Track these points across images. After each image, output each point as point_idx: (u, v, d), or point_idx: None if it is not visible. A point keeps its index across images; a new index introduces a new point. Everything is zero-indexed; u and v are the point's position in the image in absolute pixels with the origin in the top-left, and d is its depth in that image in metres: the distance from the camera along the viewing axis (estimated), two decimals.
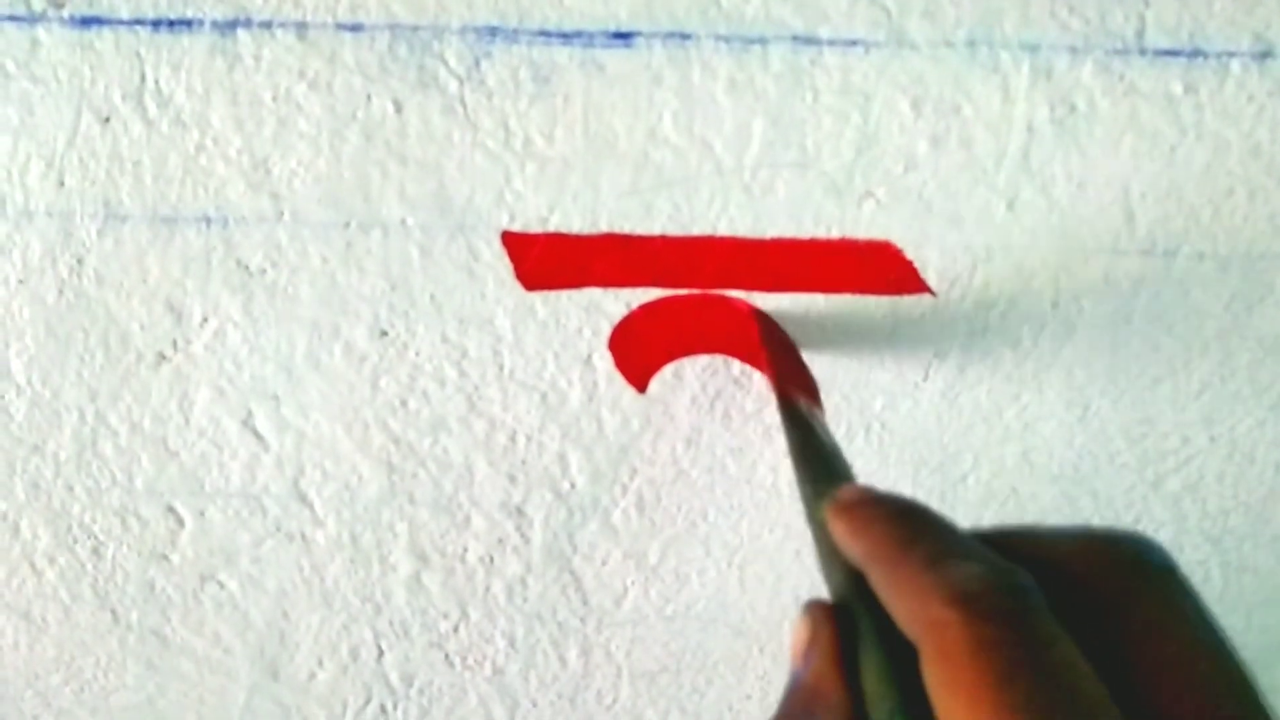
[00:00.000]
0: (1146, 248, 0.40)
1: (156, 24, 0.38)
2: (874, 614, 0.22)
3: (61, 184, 0.40)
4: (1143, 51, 0.38)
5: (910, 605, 0.21)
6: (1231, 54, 0.38)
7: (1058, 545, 0.22)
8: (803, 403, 0.34)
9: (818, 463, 0.29)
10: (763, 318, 0.41)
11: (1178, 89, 0.38)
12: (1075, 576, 0.21)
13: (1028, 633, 0.19)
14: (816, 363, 0.42)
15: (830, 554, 0.25)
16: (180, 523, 0.45)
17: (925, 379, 0.42)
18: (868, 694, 0.21)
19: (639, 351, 0.42)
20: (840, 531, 0.24)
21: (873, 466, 0.44)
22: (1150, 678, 0.20)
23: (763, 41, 0.38)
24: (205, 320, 0.42)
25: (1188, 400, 0.43)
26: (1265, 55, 0.38)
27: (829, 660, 0.22)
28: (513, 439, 0.43)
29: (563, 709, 0.48)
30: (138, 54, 0.38)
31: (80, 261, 0.41)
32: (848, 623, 0.23)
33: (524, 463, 0.44)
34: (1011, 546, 0.22)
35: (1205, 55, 0.38)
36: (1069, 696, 0.19)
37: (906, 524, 0.23)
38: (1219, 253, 0.40)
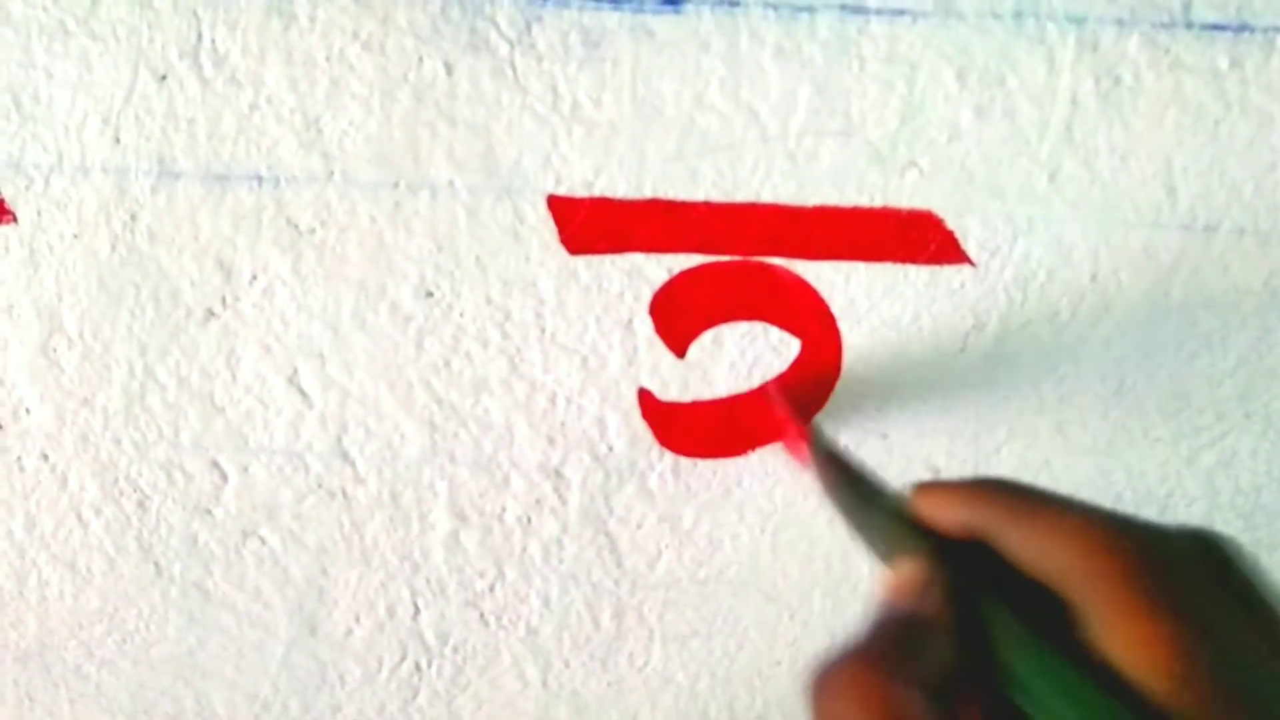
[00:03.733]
0: (1187, 222, 0.41)
1: None
2: (988, 570, 0.24)
3: (117, 140, 0.40)
4: (1189, 25, 0.38)
5: (1076, 541, 0.22)
6: (1278, 29, 0.38)
7: (1168, 530, 0.24)
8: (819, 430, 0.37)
9: (862, 472, 0.32)
10: (775, 392, 0.42)
11: (1223, 63, 0.39)
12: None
13: (1196, 571, 0.21)
14: (855, 332, 0.43)
15: (907, 533, 0.26)
16: (224, 478, 0.46)
17: (963, 350, 0.43)
18: (996, 635, 0.23)
19: (679, 317, 0.43)
20: (951, 502, 0.25)
21: (908, 436, 0.44)
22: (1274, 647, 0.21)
23: (810, 10, 0.39)
24: (254, 278, 0.42)
25: (1224, 376, 0.43)
26: None
27: (943, 596, 0.24)
28: (553, 401, 0.44)
29: (594, 670, 0.49)
30: (195, 13, 0.39)
31: (134, 217, 0.41)
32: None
33: (563, 425, 0.44)
34: None
35: (1252, 30, 0.38)
36: (1238, 631, 0.20)
37: (1033, 487, 0.24)
38: (1260, 228, 0.41)
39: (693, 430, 0.44)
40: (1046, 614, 0.22)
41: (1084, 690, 0.21)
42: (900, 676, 0.22)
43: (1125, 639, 0.20)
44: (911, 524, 0.27)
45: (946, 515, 0.25)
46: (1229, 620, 0.21)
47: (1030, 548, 0.23)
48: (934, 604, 0.24)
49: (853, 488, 0.31)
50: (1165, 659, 0.20)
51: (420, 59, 0.39)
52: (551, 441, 0.45)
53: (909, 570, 0.25)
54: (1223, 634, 0.20)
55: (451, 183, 0.41)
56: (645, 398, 0.44)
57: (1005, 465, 0.45)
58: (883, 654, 0.22)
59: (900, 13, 0.38)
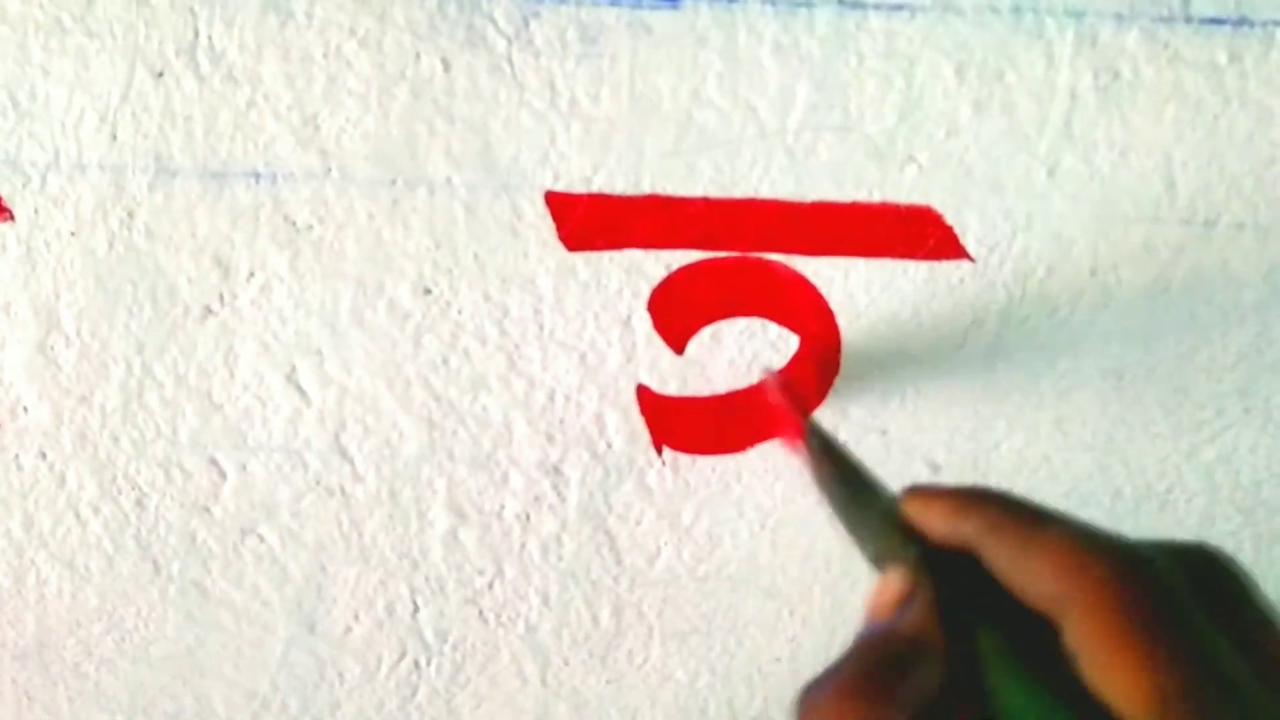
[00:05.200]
0: (1187, 217, 0.41)
1: None
2: (977, 585, 0.23)
3: (114, 138, 0.40)
4: (1188, 19, 0.38)
5: (1061, 565, 0.21)
6: (1277, 23, 0.38)
7: (1162, 547, 0.23)
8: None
9: (859, 470, 0.31)
10: (774, 383, 0.42)
11: (1222, 58, 0.39)
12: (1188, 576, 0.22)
13: (1189, 608, 0.20)
14: (854, 328, 0.42)
15: (899, 538, 0.25)
16: (222, 476, 0.45)
17: (962, 345, 0.43)
18: (986, 657, 0.22)
19: (678, 313, 0.43)
20: (942, 511, 0.24)
21: (907, 432, 0.44)
22: (1262, 669, 0.21)
23: (808, 5, 0.38)
24: (252, 275, 0.42)
25: (1223, 371, 0.43)
26: None
27: (933, 614, 0.23)
28: (551, 398, 0.44)
29: (594, 667, 0.49)
30: (191, 9, 0.39)
31: (131, 215, 0.41)
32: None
33: (562, 422, 0.44)
34: None
35: (1251, 24, 0.38)
36: (1234, 673, 0.20)
37: (1026, 502, 0.24)
38: (1259, 223, 0.40)
39: (690, 427, 0.44)
40: (1035, 633, 0.22)
41: None
42: (887, 701, 0.21)
43: (1105, 668, 0.20)
44: (902, 530, 0.26)
45: (936, 524, 0.25)
46: (1215, 645, 0.20)
47: (1014, 567, 0.22)
48: (920, 620, 0.23)
49: (847, 486, 0.30)
50: (1144, 690, 0.19)
51: (418, 55, 0.39)
52: (550, 438, 0.45)
53: (895, 582, 0.24)
54: (1207, 661, 0.20)
55: (449, 179, 0.41)
56: (644, 394, 0.44)
57: (1004, 460, 0.45)
58: (869, 676, 0.22)
59: (898, 7, 0.38)
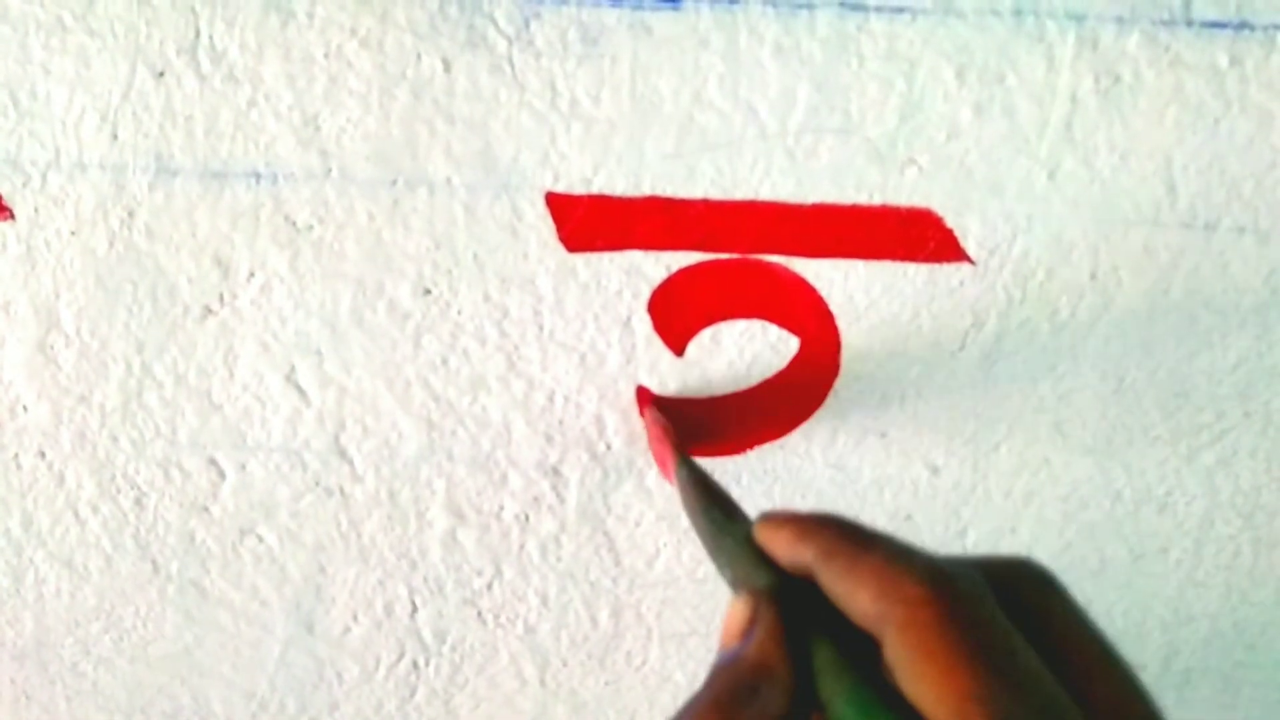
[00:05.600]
0: (1187, 220, 0.41)
1: None
2: (819, 607, 0.24)
3: (115, 137, 0.40)
4: (1189, 23, 0.38)
5: (879, 588, 0.23)
6: (1278, 26, 0.38)
7: (978, 563, 0.25)
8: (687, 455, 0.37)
9: (721, 498, 0.32)
10: (648, 407, 0.42)
11: (1223, 61, 0.39)
12: (997, 588, 0.23)
13: (991, 615, 0.22)
14: (854, 329, 0.42)
15: (752, 564, 0.27)
16: (221, 475, 0.45)
17: (962, 348, 0.43)
18: (819, 671, 0.24)
19: (678, 315, 0.43)
20: (784, 538, 0.26)
21: (906, 435, 0.44)
22: (1071, 672, 0.22)
23: (810, 7, 0.38)
24: (252, 275, 0.42)
25: (1224, 374, 0.43)
26: None
27: (774, 638, 0.24)
28: (551, 399, 0.44)
29: (592, 668, 0.49)
30: (193, 9, 0.39)
31: (131, 214, 0.41)
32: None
33: (561, 423, 0.44)
34: None
35: (1252, 28, 0.38)
36: (1033, 674, 0.21)
37: (857, 529, 0.25)
38: (1260, 227, 0.40)
39: (689, 429, 0.44)
40: (865, 649, 0.23)
41: None
42: None
43: (916, 678, 0.21)
44: (757, 557, 0.27)
45: (781, 551, 0.26)
46: (1016, 649, 0.22)
47: (841, 590, 0.24)
48: (763, 645, 0.24)
49: (710, 512, 0.31)
50: (950, 694, 0.21)
51: (418, 56, 0.39)
52: (549, 439, 0.45)
53: (741, 609, 0.26)
54: (1007, 664, 0.21)
55: (449, 180, 0.41)
56: (643, 395, 0.44)
57: (1004, 464, 0.45)
58: (718, 704, 0.23)
59: (900, 10, 0.38)
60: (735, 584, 0.28)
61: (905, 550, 0.24)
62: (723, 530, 0.30)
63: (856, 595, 0.23)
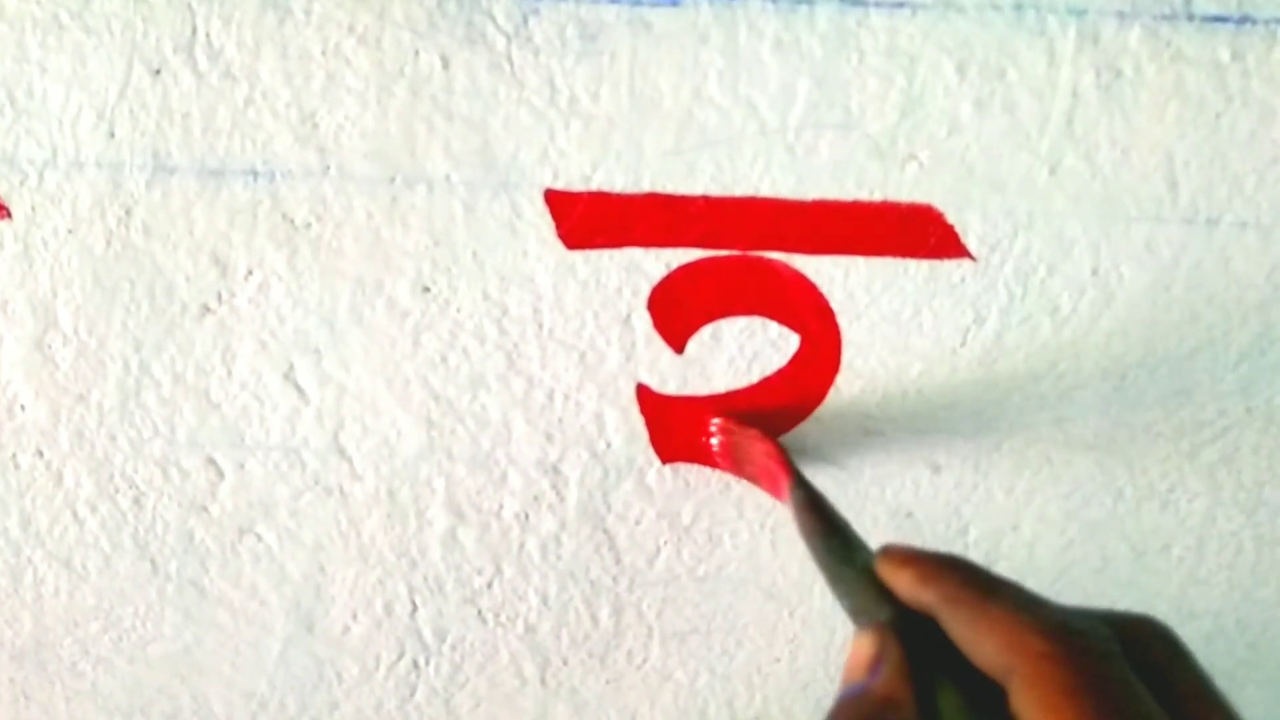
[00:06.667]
0: (1189, 216, 0.40)
1: None
2: (941, 646, 0.25)
3: (111, 135, 0.40)
4: (1190, 17, 0.38)
5: (1005, 639, 0.23)
6: None
7: (1104, 617, 0.25)
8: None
9: (840, 526, 0.32)
10: (761, 435, 0.42)
11: (1225, 55, 0.38)
12: (1122, 645, 0.24)
13: (1121, 676, 0.22)
14: (855, 327, 0.42)
15: (874, 598, 0.27)
16: (220, 474, 0.45)
17: (963, 344, 0.43)
18: (943, 712, 0.24)
19: (678, 312, 0.42)
20: (908, 578, 0.26)
21: (907, 432, 0.44)
22: None
23: (809, 2, 0.38)
24: (250, 273, 0.42)
25: (1226, 371, 0.43)
26: None
27: (901, 675, 0.25)
28: (550, 397, 0.44)
29: (593, 668, 0.48)
30: (189, 6, 0.39)
31: (128, 213, 0.41)
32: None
33: (561, 421, 0.44)
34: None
35: (1253, 21, 0.38)
36: (1171, 713, 0.22)
37: (983, 575, 0.25)
38: (1262, 222, 0.40)
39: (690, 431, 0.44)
40: (990, 694, 0.23)
41: None
42: None
43: None
44: (876, 590, 0.27)
45: (903, 588, 0.27)
46: (1144, 709, 0.22)
47: (966, 638, 0.24)
48: (890, 681, 0.25)
49: (828, 540, 0.32)
50: None
51: (416, 53, 0.39)
52: (549, 438, 0.44)
53: (868, 644, 0.26)
54: None
55: (448, 177, 0.41)
56: (643, 393, 0.43)
57: (1005, 462, 0.44)
58: None
59: (900, 5, 0.38)
60: (855, 614, 0.28)
61: (1032, 600, 0.24)
62: (843, 561, 0.30)
63: (982, 644, 0.24)
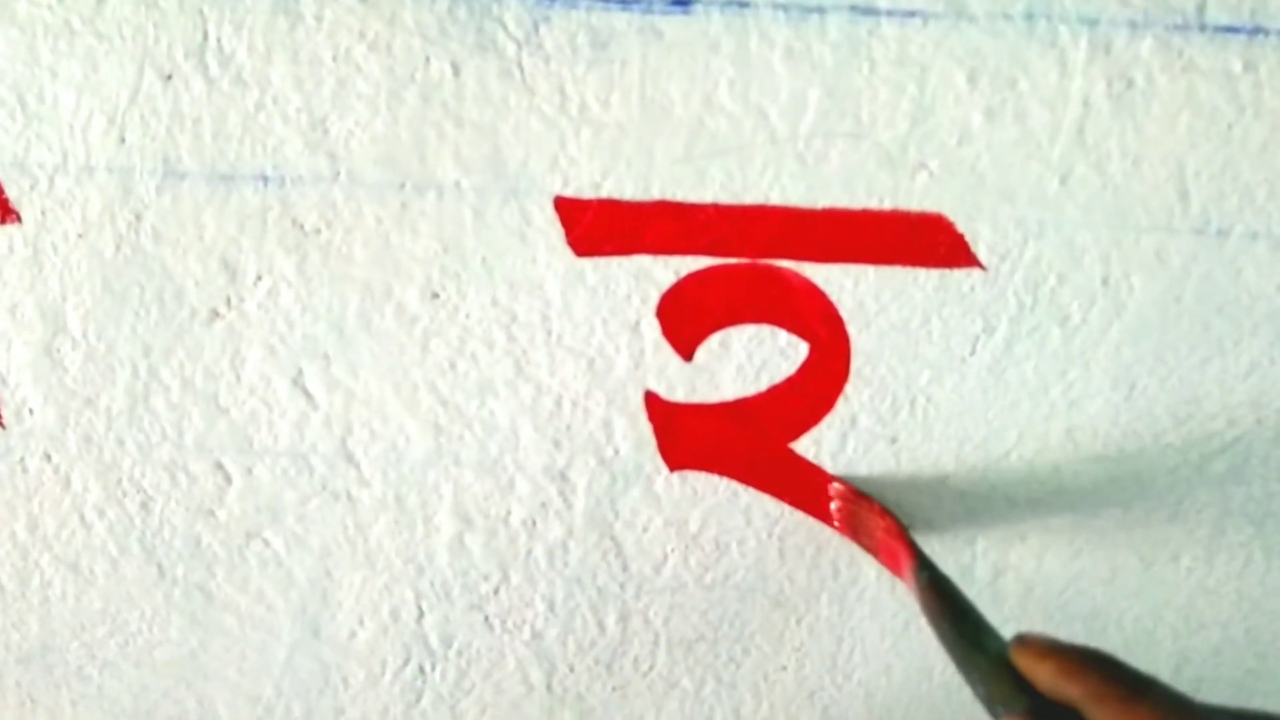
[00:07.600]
0: (1200, 226, 0.40)
1: None
2: None
3: (122, 140, 0.40)
4: (1203, 28, 0.38)
5: None
6: None
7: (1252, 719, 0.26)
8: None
9: (969, 612, 0.33)
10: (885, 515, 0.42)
11: (1237, 66, 0.38)
12: None
13: None
14: (864, 336, 0.42)
15: (1011, 688, 0.28)
16: (228, 479, 0.45)
17: (972, 353, 0.42)
18: None
19: (687, 320, 0.42)
20: (1048, 670, 0.27)
21: (916, 440, 0.44)
22: None
23: (821, 11, 0.38)
24: (259, 278, 0.42)
25: (1236, 381, 0.43)
26: None
27: None
28: (559, 404, 0.44)
29: (599, 674, 0.48)
30: (201, 12, 0.39)
31: (138, 217, 0.41)
32: None
33: (569, 428, 0.44)
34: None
35: (1266, 32, 0.38)
36: None
37: (1128, 672, 0.26)
38: (1273, 232, 0.40)
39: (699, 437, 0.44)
40: None
41: None
42: None
43: None
44: (1014, 680, 0.28)
45: (1043, 679, 0.27)
46: None
47: None
48: None
49: (958, 624, 0.32)
50: None
51: (427, 59, 0.39)
52: (557, 444, 0.44)
53: None
54: None
55: (458, 183, 0.41)
56: (651, 401, 0.43)
57: (1014, 471, 0.44)
58: None
59: (911, 14, 0.38)
60: (990, 703, 0.29)
61: (1181, 701, 0.25)
62: (975, 647, 0.31)
63: None
